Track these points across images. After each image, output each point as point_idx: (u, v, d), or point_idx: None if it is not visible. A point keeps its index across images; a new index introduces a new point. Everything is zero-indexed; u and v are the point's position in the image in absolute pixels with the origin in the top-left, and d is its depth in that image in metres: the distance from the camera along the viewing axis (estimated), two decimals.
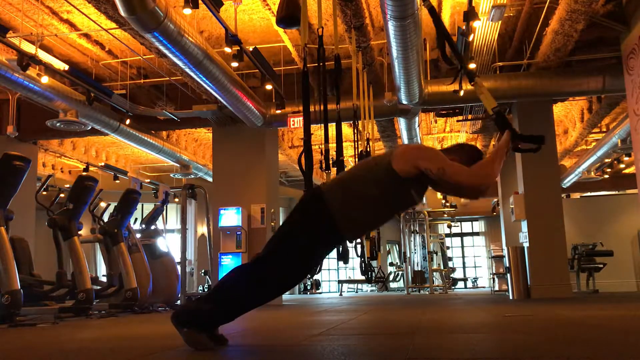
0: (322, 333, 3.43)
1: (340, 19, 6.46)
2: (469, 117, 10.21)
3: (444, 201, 18.20)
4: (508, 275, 9.18)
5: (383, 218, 2.81)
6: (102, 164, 12.79)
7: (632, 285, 13.43)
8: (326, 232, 2.62)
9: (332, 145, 5.27)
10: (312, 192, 2.73)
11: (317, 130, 9.08)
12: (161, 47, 6.22)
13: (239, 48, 6.62)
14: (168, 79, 8.95)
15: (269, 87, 8.69)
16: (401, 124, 9.57)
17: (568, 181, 14.44)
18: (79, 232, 6.62)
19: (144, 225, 9.24)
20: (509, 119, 2.68)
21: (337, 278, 19.28)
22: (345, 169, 3.50)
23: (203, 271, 13.84)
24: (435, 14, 3.38)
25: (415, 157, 2.55)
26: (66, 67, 8.37)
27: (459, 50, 3.03)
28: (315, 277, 16.65)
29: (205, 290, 13.32)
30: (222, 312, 2.64)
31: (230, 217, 9.33)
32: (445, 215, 19.44)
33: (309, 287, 17.58)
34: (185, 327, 2.58)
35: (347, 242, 2.73)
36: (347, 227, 2.63)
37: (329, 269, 19.50)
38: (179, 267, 8.44)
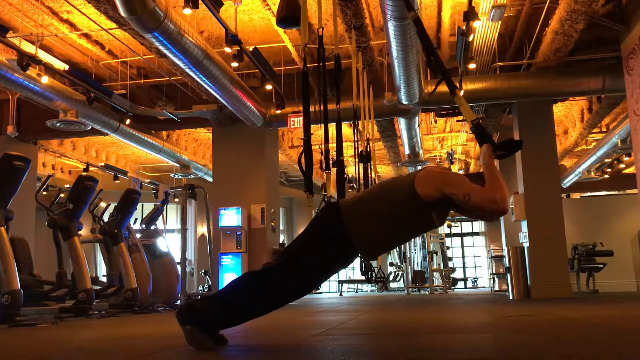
0: (322, 333, 3.43)
1: (340, 19, 6.46)
2: None
3: None
4: (508, 275, 9.17)
5: (401, 239, 2.80)
6: (102, 164, 12.79)
7: (632, 285, 13.42)
8: (342, 250, 2.60)
9: (332, 145, 5.27)
10: (331, 208, 2.70)
11: (317, 130, 9.08)
12: (161, 47, 6.22)
13: (239, 48, 6.62)
14: (168, 79, 8.95)
15: (269, 87, 8.69)
16: (401, 124, 9.57)
17: (568, 181, 14.43)
18: (79, 232, 6.62)
19: (144, 225, 9.25)
20: (488, 131, 2.67)
21: (337, 278, 19.27)
22: (346, 169, 3.50)
23: (203, 271, 13.84)
24: (420, 26, 3.35)
25: (441, 182, 2.51)
26: (66, 67, 8.37)
27: (441, 63, 3.03)
28: None
29: (205, 290, 13.32)
30: (228, 315, 2.66)
31: (230, 217, 9.33)
32: None
33: None
34: (189, 325, 2.59)
35: (363, 258, 2.72)
36: (364, 246, 2.61)
37: None
38: (179, 267, 8.45)
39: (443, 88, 3.07)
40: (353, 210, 2.60)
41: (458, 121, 11.01)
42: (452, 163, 13.61)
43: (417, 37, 6.26)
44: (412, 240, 17.06)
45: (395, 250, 20.83)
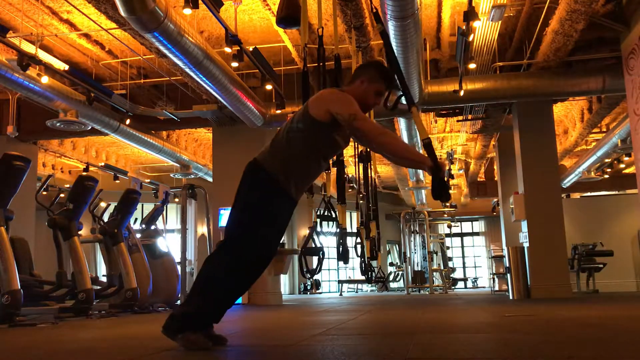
0: (322, 333, 3.43)
1: (340, 19, 6.46)
2: (469, 117, 10.22)
3: None
4: (508, 275, 9.17)
5: (317, 165, 2.85)
6: (102, 164, 12.79)
7: (632, 285, 13.42)
8: (273, 195, 2.66)
9: None
10: (250, 164, 2.78)
11: None
12: (161, 47, 6.22)
13: (239, 48, 6.62)
14: (168, 79, 8.95)
15: (269, 87, 8.70)
16: (401, 124, 9.57)
17: (568, 181, 14.43)
18: (79, 232, 6.62)
19: (144, 225, 9.23)
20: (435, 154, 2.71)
21: (337, 278, 19.27)
22: (346, 169, 3.52)
23: None
24: (387, 40, 3.47)
25: (328, 100, 2.66)
26: (66, 67, 8.37)
27: (407, 87, 3.17)
28: (316, 277, 16.64)
29: None
30: (209, 306, 2.63)
31: None
32: (445, 215, 19.44)
33: (309, 287, 17.57)
34: (179, 333, 2.57)
35: (295, 198, 2.78)
36: (292, 183, 2.70)
37: (329, 269, 19.50)
38: (179, 267, 8.44)
39: (442, 88, 3.11)
40: (269, 155, 2.74)
41: (458, 121, 11.01)
42: (452, 163, 13.62)
43: (416, 36, 6.29)
44: (412, 240, 17.07)
45: (395, 250, 20.86)
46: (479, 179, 16.71)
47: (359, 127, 2.61)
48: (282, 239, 3.35)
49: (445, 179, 2.65)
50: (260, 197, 2.68)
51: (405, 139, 10.33)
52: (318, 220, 5.49)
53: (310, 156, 2.75)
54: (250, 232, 2.64)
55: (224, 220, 9.34)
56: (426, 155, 2.63)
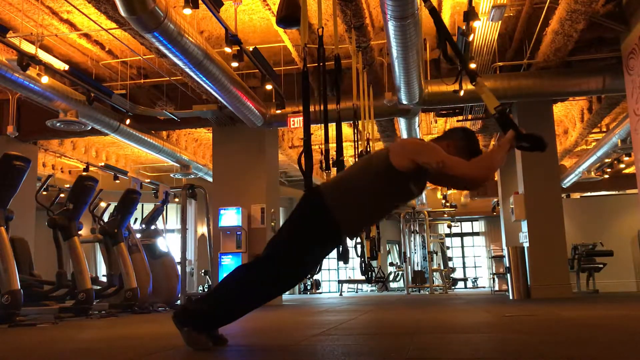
0: (322, 333, 3.43)
1: (340, 19, 6.46)
2: (469, 117, 10.22)
3: (444, 201, 18.19)
4: (508, 275, 9.17)
5: (382, 212, 2.84)
6: (102, 164, 12.79)
7: (632, 285, 13.43)
8: (325, 229, 2.63)
9: (332, 145, 5.27)
10: (310, 191, 2.75)
11: (317, 130, 9.08)
12: (161, 47, 6.22)
13: (239, 48, 6.62)
14: (168, 79, 8.95)
15: (269, 87, 8.69)
16: (401, 124, 9.57)
17: (568, 181, 14.43)
18: (79, 232, 6.62)
19: (144, 225, 9.24)
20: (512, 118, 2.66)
21: (337, 278, 19.28)
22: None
23: (203, 271, 13.84)
24: (436, 14, 3.38)
25: (414, 151, 2.59)
26: (66, 67, 8.36)
27: (460, 50, 3.01)
28: (315, 277, 16.65)
29: (206, 290, 13.32)
30: (223, 312, 2.64)
31: (230, 217, 9.33)
32: (445, 215, 19.44)
33: (309, 287, 17.58)
34: (186, 326, 2.58)
35: (348, 239, 2.76)
36: (346, 222, 2.64)
37: (329, 269, 19.51)
38: (179, 267, 8.45)
39: (442, 88, 3.10)
40: (332, 189, 2.68)
41: (458, 121, 11.01)
42: None
43: (416, 36, 6.29)
44: (412, 240, 17.08)
45: (395, 250, 20.86)
46: None
47: (452, 174, 2.53)
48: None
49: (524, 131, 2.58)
50: (307, 224, 2.65)
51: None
52: None
53: (377, 201, 2.68)
54: (284, 254, 2.63)
55: (224, 220, 9.35)
56: (502, 124, 2.59)
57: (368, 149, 7.29)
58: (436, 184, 2.83)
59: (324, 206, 2.60)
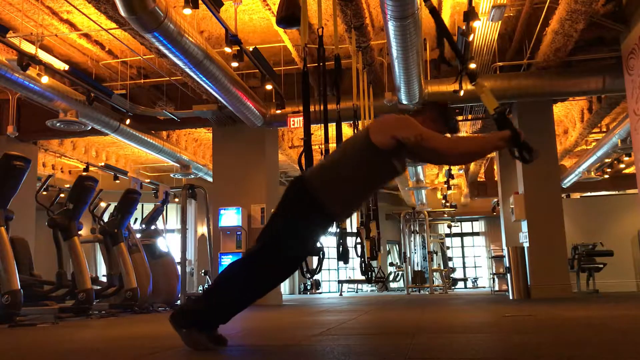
0: (322, 333, 3.43)
1: (340, 19, 6.46)
2: (469, 117, 10.22)
3: (444, 201, 18.19)
4: (508, 275, 9.17)
5: (367, 191, 2.86)
6: (102, 164, 12.79)
7: (632, 285, 13.42)
8: (312, 212, 2.64)
9: (332, 145, 5.27)
10: (294, 179, 2.77)
11: (317, 130, 9.07)
12: (161, 47, 6.22)
13: (239, 48, 6.62)
14: (168, 79, 8.95)
15: (269, 87, 8.69)
16: None
17: (568, 181, 14.43)
18: (79, 232, 6.62)
19: (144, 225, 9.24)
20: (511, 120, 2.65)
21: (337, 278, 19.27)
22: None
23: (203, 271, 13.82)
24: (436, 14, 3.38)
25: (393, 127, 2.61)
26: (66, 67, 8.37)
27: (460, 50, 3.02)
28: (315, 277, 16.64)
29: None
30: (221, 309, 2.63)
31: (230, 217, 9.33)
32: (445, 215, 19.44)
33: (309, 287, 17.57)
34: (184, 327, 2.58)
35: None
36: (331, 203, 2.65)
37: (329, 269, 19.50)
38: (179, 267, 8.44)
39: (442, 88, 3.10)
40: (317, 175, 2.69)
41: (458, 121, 11.02)
42: None
43: (416, 36, 6.29)
44: (412, 240, 17.07)
45: (395, 250, 20.86)
46: (479, 179, 16.71)
47: (430, 147, 2.56)
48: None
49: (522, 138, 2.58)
50: (293, 207, 2.67)
51: None
52: None
53: (362, 181, 2.70)
54: (275, 242, 2.64)
55: (224, 220, 9.35)
56: (501, 125, 2.60)
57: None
58: (413, 159, 2.86)
59: (307, 189, 2.63)
